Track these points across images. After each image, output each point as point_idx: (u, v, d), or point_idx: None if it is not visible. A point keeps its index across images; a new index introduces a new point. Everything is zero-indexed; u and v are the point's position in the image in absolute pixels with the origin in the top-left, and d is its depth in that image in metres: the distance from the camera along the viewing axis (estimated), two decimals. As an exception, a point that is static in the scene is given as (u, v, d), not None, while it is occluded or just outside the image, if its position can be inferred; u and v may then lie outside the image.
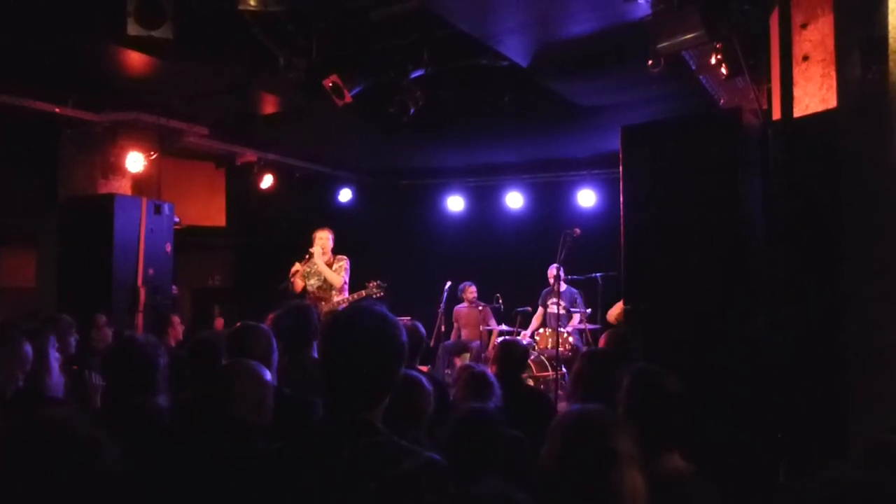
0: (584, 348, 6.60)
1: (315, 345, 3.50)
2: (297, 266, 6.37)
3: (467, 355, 7.98)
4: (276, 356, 2.79)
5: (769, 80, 4.17)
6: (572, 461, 1.67)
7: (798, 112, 3.19)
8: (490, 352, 7.98)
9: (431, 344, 7.99)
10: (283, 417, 2.38)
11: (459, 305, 8.58)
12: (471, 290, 8.48)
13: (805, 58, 3.20)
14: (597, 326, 7.03)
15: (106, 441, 1.25)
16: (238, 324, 2.83)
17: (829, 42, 3.12)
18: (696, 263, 3.46)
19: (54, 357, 2.76)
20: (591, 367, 2.98)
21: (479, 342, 8.28)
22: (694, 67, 4.84)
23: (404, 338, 1.67)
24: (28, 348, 2.69)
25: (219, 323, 8.40)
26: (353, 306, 1.71)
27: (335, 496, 1.50)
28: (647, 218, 3.66)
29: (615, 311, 6.26)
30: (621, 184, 3.74)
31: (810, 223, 3.06)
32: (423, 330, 4.24)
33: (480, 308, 8.31)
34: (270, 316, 4.29)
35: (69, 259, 6.67)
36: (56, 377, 2.72)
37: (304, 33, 5.18)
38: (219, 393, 2.22)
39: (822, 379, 2.98)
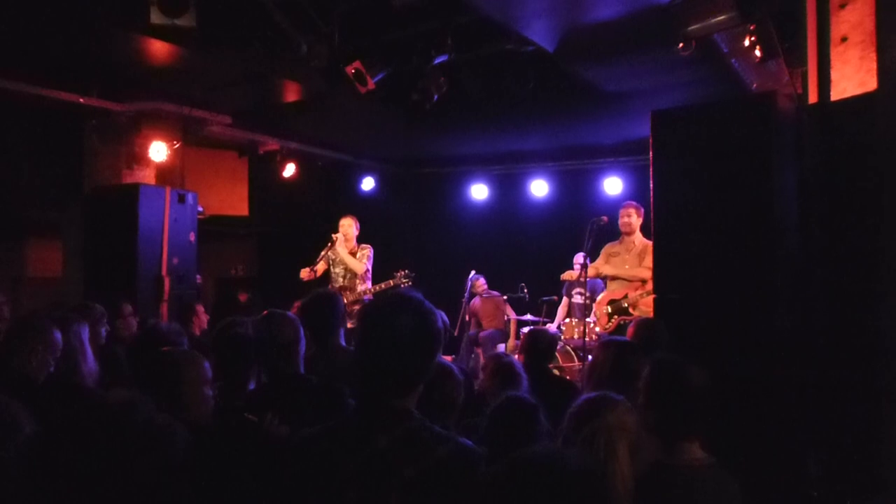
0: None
1: (342, 332, 3.56)
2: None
3: (499, 347, 8.00)
4: (303, 344, 2.84)
5: (804, 63, 4.11)
6: (576, 441, 1.73)
7: (835, 96, 3.14)
8: (511, 343, 8.02)
9: (455, 333, 8.04)
10: (312, 405, 2.43)
11: (474, 299, 8.61)
12: (479, 283, 8.49)
13: (843, 39, 3.15)
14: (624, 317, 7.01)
15: (178, 426, 1.30)
16: (265, 312, 2.88)
17: (869, 23, 3.07)
18: (728, 252, 3.44)
19: (88, 345, 2.84)
20: (608, 357, 2.99)
21: (495, 330, 8.31)
22: (726, 50, 4.78)
23: (440, 325, 1.70)
24: (58, 335, 2.77)
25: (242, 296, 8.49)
26: (395, 293, 1.74)
27: (372, 483, 1.53)
28: (678, 205, 3.64)
29: (605, 299, 6.31)
30: (651, 171, 3.72)
31: (847, 211, 3.03)
32: (447, 319, 4.28)
33: (505, 298, 8.32)
34: (296, 304, 4.35)
35: (95, 249, 6.79)
36: (91, 364, 2.80)
37: (325, 19, 5.21)
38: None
39: (855, 373, 2.95)
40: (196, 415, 2.20)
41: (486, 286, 8.45)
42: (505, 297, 8.27)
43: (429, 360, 1.66)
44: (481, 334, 8.22)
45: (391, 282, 6.28)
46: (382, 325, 1.63)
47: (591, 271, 6.47)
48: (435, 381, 2.40)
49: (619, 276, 6.24)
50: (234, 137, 8.13)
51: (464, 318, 8.10)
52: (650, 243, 4.55)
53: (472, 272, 8.16)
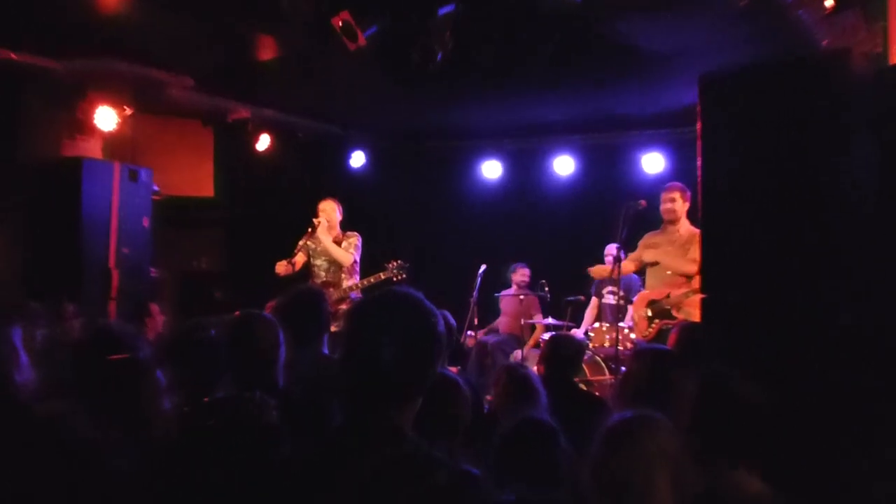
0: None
1: (326, 338, 3.57)
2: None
3: (516, 353, 8.05)
4: (283, 351, 2.85)
5: (884, 17, 4.10)
6: (608, 469, 1.75)
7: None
8: (527, 351, 8.04)
9: (462, 339, 8.06)
10: (292, 422, 2.43)
11: (507, 290, 8.66)
12: (521, 273, 8.55)
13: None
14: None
15: (122, 442, 1.33)
16: (237, 312, 2.88)
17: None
18: (792, 243, 3.43)
19: (22, 351, 2.85)
20: (644, 368, 2.99)
21: (508, 335, 8.33)
22: (790, 1, 4.76)
23: (442, 328, 1.70)
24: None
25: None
26: (388, 290, 1.74)
27: None
28: (731, 187, 3.63)
29: (643, 299, 6.34)
30: (699, 145, 3.71)
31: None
32: (452, 321, 4.29)
33: (522, 297, 8.35)
34: (271, 303, 4.36)
35: (32, 237, 6.79)
36: (26, 373, 2.80)
37: (308, -39, 5.20)
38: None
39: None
40: (155, 431, 2.22)
41: (527, 279, 8.56)
42: (537, 297, 8.33)
43: (426, 368, 1.68)
44: (491, 340, 8.24)
45: (382, 275, 6.30)
46: (372, 328, 1.66)
47: (628, 265, 6.48)
48: (435, 396, 2.40)
49: (664, 265, 6.22)
50: (198, 103, 8.13)
51: (471, 320, 8.13)
52: (697, 233, 4.54)
53: (482, 266, 8.18)
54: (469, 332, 8.26)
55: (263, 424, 2.12)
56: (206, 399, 2.72)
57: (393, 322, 1.65)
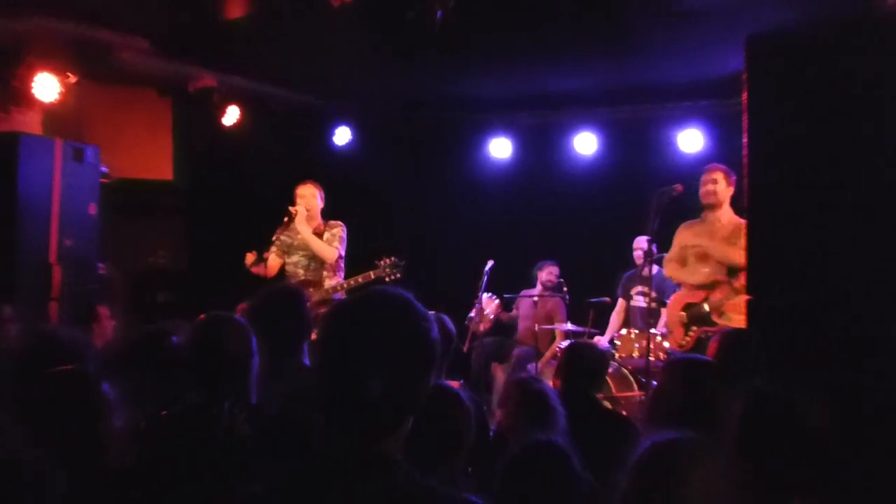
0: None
1: (306, 346, 3.60)
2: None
3: (530, 367, 8.08)
4: (256, 361, 2.87)
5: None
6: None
7: None
8: (542, 364, 8.07)
9: (465, 348, 8.10)
10: (267, 447, 2.46)
11: (528, 290, 8.76)
12: (548, 272, 8.64)
13: None
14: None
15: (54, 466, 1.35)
16: (202, 316, 2.91)
17: None
18: (855, 237, 3.45)
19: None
20: (679, 382, 3.01)
21: (526, 347, 8.38)
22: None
23: (436, 335, 1.72)
24: None
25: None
26: (374, 291, 1.76)
27: None
28: (784, 169, 3.65)
29: (678, 301, 6.34)
30: (745, 120, 3.73)
31: None
32: (451, 327, 4.31)
33: (536, 299, 8.36)
34: (242, 305, 4.39)
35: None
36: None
37: None
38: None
39: None
40: (106, 454, 2.24)
41: (555, 279, 8.63)
42: (561, 299, 8.36)
43: (417, 382, 1.68)
44: (486, 340, 8.27)
45: (372, 274, 6.32)
46: (350, 336, 1.66)
47: (671, 270, 6.45)
48: (432, 414, 2.43)
49: (706, 251, 6.23)
50: (153, 70, 8.13)
51: (477, 324, 8.16)
52: (743, 223, 4.56)
53: (489, 262, 8.20)
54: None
55: (232, 438, 2.14)
56: (163, 412, 2.75)
57: (376, 329, 1.65)
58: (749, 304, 3.70)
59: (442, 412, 2.58)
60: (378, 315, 1.68)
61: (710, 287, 6.13)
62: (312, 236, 6.44)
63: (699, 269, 6.26)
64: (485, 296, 8.33)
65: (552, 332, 8.42)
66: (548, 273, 8.68)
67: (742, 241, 4.95)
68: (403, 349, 1.65)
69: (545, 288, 8.65)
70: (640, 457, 1.99)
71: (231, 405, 2.38)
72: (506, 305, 8.66)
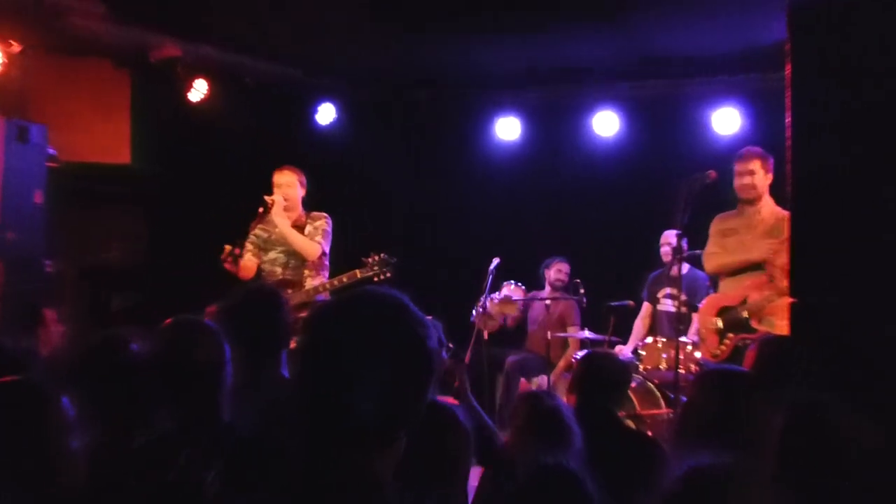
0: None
1: (285, 355, 3.61)
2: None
3: (537, 380, 8.09)
4: (228, 372, 2.89)
5: None
6: None
7: None
8: (555, 376, 8.08)
9: (466, 359, 8.10)
10: (241, 468, 2.48)
11: (535, 292, 8.79)
12: (557, 269, 8.65)
13: None
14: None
15: None
16: (169, 320, 2.92)
17: None
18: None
19: None
20: (711, 396, 3.02)
21: (530, 354, 8.40)
22: None
23: (434, 342, 1.72)
24: None
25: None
26: (354, 291, 1.77)
27: None
28: (833, 152, 3.66)
29: (712, 305, 6.34)
30: (788, 97, 3.74)
31: None
32: (443, 338, 4.33)
33: (548, 302, 8.37)
34: (211, 308, 4.39)
35: None
36: None
37: None
38: None
39: None
40: (63, 480, 2.25)
41: (565, 278, 8.67)
42: (575, 302, 8.37)
43: (412, 396, 1.69)
44: (509, 359, 8.29)
45: (360, 273, 6.32)
46: (339, 341, 1.66)
47: (711, 263, 6.45)
48: (427, 434, 2.44)
49: (742, 260, 6.24)
50: (110, 37, 8.12)
51: (479, 332, 8.17)
52: (786, 216, 4.56)
53: (495, 259, 8.21)
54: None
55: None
56: (128, 441, 2.76)
57: (365, 334, 1.65)
58: (792, 306, 3.71)
59: (437, 433, 2.59)
60: (368, 318, 1.69)
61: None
62: (291, 230, 6.44)
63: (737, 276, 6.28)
64: (507, 286, 8.37)
65: (566, 340, 8.43)
66: (557, 271, 8.69)
67: (785, 236, 4.98)
68: (397, 358, 1.66)
69: (555, 289, 8.66)
70: (673, 485, 2.00)
71: (206, 446, 2.39)
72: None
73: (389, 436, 1.68)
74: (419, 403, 1.70)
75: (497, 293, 8.32)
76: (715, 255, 6.43)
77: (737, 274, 6.29)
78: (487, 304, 8.20)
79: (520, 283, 8.50)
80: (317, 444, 1.67)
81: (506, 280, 8.50)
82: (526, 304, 8.78)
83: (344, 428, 1.65)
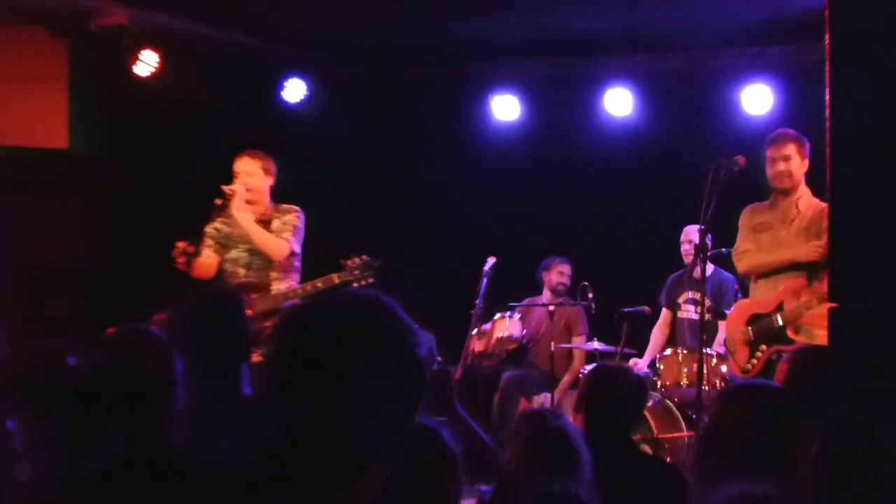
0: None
1: (245, 370, 3.61)
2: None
3: (539, 398, 8.10)
4: (180, 389, 2.89)
5: None
6: None
7: None
8: (560, 393, 8.09)
9: (457, 375, 8.10)
10: (199, 499, 2.48)
11: (533, 299, 8.79)
12: (558, 271, 8.67)
13: None
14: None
15: None
16: (111, 330, 2.92)
17: None
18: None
19: None
20: (739, 416, 3.03)
21: (531, 369, 8.43)
22: None
23: (424, 352, 1.72)
24: None
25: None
26: (332, 294, 1.76)
27: None
28: (880, 136, 3.68)
29: (742, 312, 6.36)
30: (828, 71, 3.76)
31: None
32: (432, 342, 4.34)
33: (552, 308, 8.38)
34: (160, 316, 4.39)
35: None
36: None
37: None
38: None
39: None
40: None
41: (567, 280, 8.70)
42: (581, 308, 8.39)
43: (403, 416, 1.69)
44: (505, 375, 8.29)
45: (337, 277, 6.31)
46: (313, 352, 1.65)
47: (745, 262, 6.45)
48: (411, 458, 2.44)
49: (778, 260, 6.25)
50: (45, 1, 8.12)
51: (469, 345, 8.19)
52: (825, 208, 4.59)
53: (490, 259, 8.22)
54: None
55: None
56: (71, 471, 2.76)
57: (345, 344, 1.64)
58: (832, 312, 3.72)
59: (422, 456, 2.59)
60: (347, 324, 1.66)
61: (812, 269, 6.09)
62: (254, 225, 6.40)
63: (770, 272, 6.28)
64: (501, 317, 8.35)
65: (571, 352, 8.44)
66: (558, 274, 8.70)
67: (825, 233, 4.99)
68: (383, 370, 1.64)
69: (556, 294, 8.65)
70: None
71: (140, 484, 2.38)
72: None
73: (373, 461, 1.68)
74: (408, 422, 1.70)
75: (489, 325, 8.29)
76: (749, 254, 6.42)
77: (772, 275, 6.29)
78: (483, 345, 8.20)
79: (514, 314, 8.48)
80: (286, 472, 1.65)
81: (498, 295, 8.46)
82: (524, 315, 8.79)
83: (319, 453, 1.63)
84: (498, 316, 8.38)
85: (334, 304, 1.74)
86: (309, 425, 1.64)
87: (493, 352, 8.32)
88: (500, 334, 8.30)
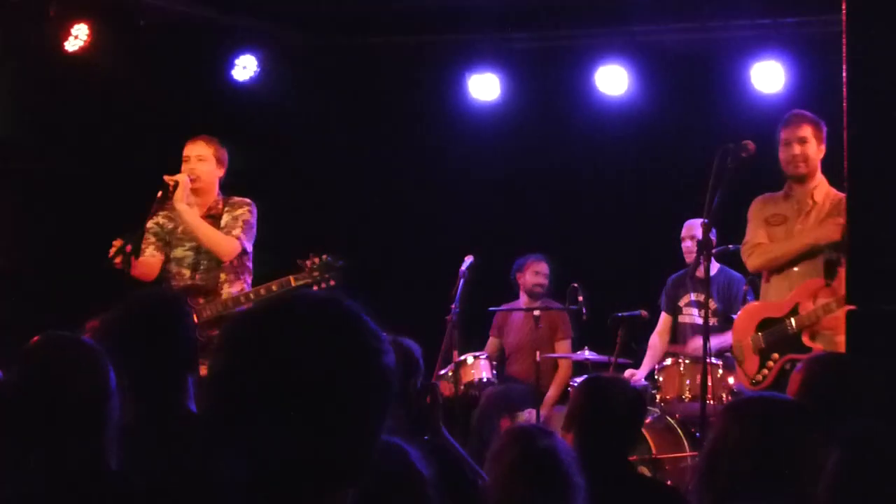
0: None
1: (192, 384, 3.61)
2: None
3: (524, 415, 8.12)
4: (114, 405, 2.89)
5: None
6: None
7: None
8: (546, 409, 8.10)
9: (432, 380, 8.12)
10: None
11: (511, 304, 8.78)
12: (534, 271, 8.69)
13: None
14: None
15: None
16: (36, 338, 2.92)
17: None
18: None
19: None
20: (747, 432, 3.05)
21: (514, 383, 8.46)
22: None
23: (391, 360, 1.72)
24: None
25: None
26: (285, 295, 1.77)
27: None
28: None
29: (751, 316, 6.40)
30: (844, 46, 3.79)
31: None
32: (417, 355, 4.36)
33: (537, 313, 8.40)
34: (93, 323, 4.39)
35: None
36: None
37: None
38: None
39: None
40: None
41: (545, 280, 8.73)
42: (566, 312, 8.41)
43: (368, 433, 1.69)
44: (486, 391, 8.30)
45: (294, 280, 6.30)
46: (265, 362, 1.64)
47: (757, 257, 6.45)
48: (379, 481, 2.45)
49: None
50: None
51: (449, 351, 8.19)
52: (842, 198, 4.60)
53: (468, 258, 8.23)
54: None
55: None
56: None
57: (301, 351, 1.63)
58: (849, 315, 3.75)
59: (390, 480, 2.60)
60: (304, 329, 1.66)
61: (831, 265, 6.08)
62: (201, 221, 6.38)
63: (783, 270, 6.29)
64: (466, 360, 8.36)
65: (556, 360, 8.48)
66: (534, 274, 8.71)
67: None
68: (345, 381, 1.64)
69: (533, 297, 8.67)
70: None
71: None
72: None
73: (334, 486, 1.67)
74: (373, 440, 1.70)
75: (453, 369, 8.26)
76: (761, 247, 6.42)
77: (786, 272, 6.29)
78: (450, 391, 8.20)
79: (481, 354, 8.53)
80: (232, 499, 1.66)
81: (476, 298, 8.46)
82: (501, 324, 8.81)
83: (271, 478, 1.63)
84: (462, 358, 8.35)
85: (287, 307, 1.72)
86: (258, 447, 1.63)
87: (462, 397, 8.32)
88: (469, 379, 8.32)
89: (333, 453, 1.64)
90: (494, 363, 8.59)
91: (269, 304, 1.75)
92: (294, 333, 1.65)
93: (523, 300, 8.74)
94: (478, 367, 8.37)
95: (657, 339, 8.13)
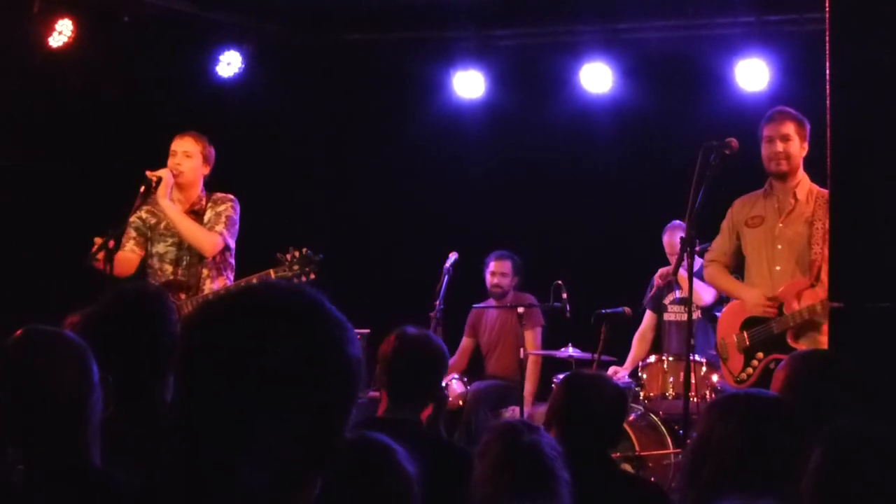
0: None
1: (172, 381, 3.60)
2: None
3: (506, 413, 8.12)
4: (97, 401, 2.87)
5: None
6: None
7: None
8: (528, 406, 8.10)
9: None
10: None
11: (483, 304, 8.79)
12: (491, 270, 8.69)
13: None
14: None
15: None
16: (19, 332, 2.90)
17: None
18: None
19: None
20: (731, 429, 3.05)
21: (496, 380, 8.47)
22: None
23: (356, 350, 1.71)
24: None
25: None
26: (245, 286, 1.75)
27: None
28: (886, 114, 3.72)
29: (734, 314, 6.41)
30: (829, 43, 3.79)
31: None
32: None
33: (522, 310, 8.39)
34: (73, 318, 4.37)
35: None
36: None
37: None
38: None
39: None
40: None
41: (511, 277, 8.71)
42: (538, 308, 8.40)
43: (332, 425, 1.67)
44: (472, 387, 8.30)
45: (274, 273, 6.28)
46: (223, 351, 1.62)
47: (708, 272, 6.45)
48: (354, 476, 2.44)
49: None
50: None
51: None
52: (826, 195, 4.60)
53: (452, 255, 8.22)
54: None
55: None
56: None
57: (261, 340, 1.61)
58: (833, 312, 3.76)
59: (368, 475, 2.58)
60: (264, 318, 1.64)
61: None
62: (183, 216, 6.38)
63: (764, 271, 6.29)
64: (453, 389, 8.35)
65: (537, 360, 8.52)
66: (490, 274, 8.71)
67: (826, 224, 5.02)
68: (306, 371, 1.62)
69: (495, 297, 8.70)
70: None
71: None
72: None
73: (296, 479, 1.65)
74: (338, 432, 1.68)
75: (439, 310, 8.26)
76: (714, 266, 6.58)
77: (772, 266, 6.29)
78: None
79: (453, 375, 8.48)
80: (194, 495, 1.64)
81: (460, 295, 8.49)
82: (475, 322, 8.82)
83: (230, 472, 1.61)
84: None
85: (247, 297, 1.70)
86: (214, 438, 1.61)
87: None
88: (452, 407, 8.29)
89: (297, 443, 1.62)
90: (465, 379, 8.61)
91: (226, 295, 1.71)
92: (252, 326, 1.63)
93: (493, 298, 8.75)
94: (450, 387, 8.33)
95: (641, 337, 8.14)
